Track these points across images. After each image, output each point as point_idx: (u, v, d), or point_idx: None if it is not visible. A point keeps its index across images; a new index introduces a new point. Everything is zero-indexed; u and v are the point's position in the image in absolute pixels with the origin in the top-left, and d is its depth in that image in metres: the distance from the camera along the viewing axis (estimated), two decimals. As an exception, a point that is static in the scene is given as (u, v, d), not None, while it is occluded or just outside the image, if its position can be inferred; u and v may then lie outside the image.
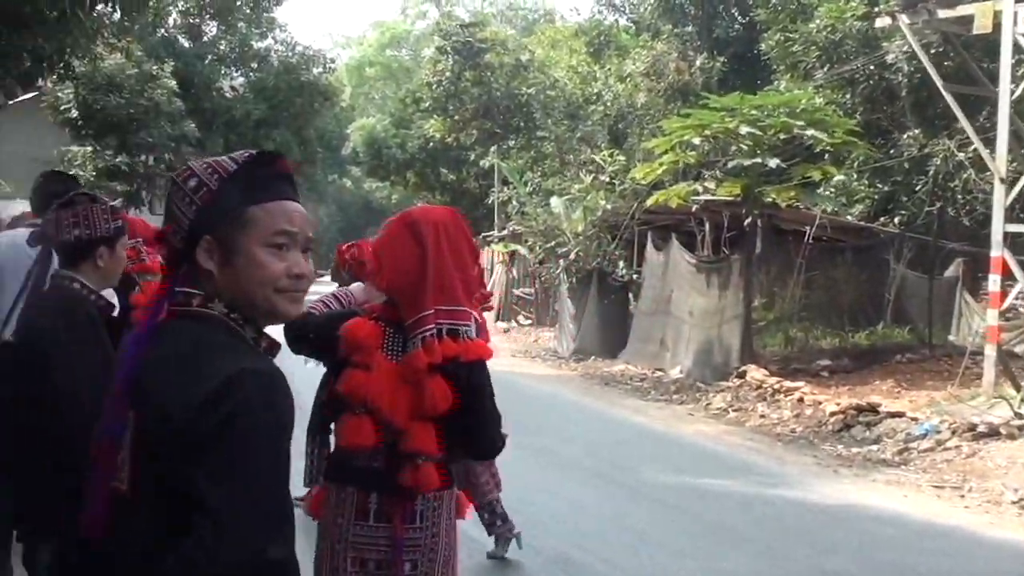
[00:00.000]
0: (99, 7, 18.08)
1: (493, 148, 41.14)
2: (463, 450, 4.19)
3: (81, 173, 28.96)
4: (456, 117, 44.01)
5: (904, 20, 19.07)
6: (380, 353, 3.98)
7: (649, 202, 22.89)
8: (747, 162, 19.48)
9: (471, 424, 3.97)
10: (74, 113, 31.26)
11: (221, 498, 2.29)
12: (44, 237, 4.90)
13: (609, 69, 36.48)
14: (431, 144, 47.60)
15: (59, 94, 30.60)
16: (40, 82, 23.43)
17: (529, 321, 33.22)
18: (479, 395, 3.94)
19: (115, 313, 4.59)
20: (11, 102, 31.89)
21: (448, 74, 43.53)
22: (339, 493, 4.04)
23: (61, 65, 16.35)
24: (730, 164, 20.26)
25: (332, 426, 4.25)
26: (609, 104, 34.51)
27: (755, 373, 18.75)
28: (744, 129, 19.21)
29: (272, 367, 2.49)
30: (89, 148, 31.26)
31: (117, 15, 21.76)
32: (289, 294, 2.58)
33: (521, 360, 24.94)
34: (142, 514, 2.41)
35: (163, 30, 42.02)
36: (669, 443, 14.69)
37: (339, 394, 4.00)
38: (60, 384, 4.16)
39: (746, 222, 20.48)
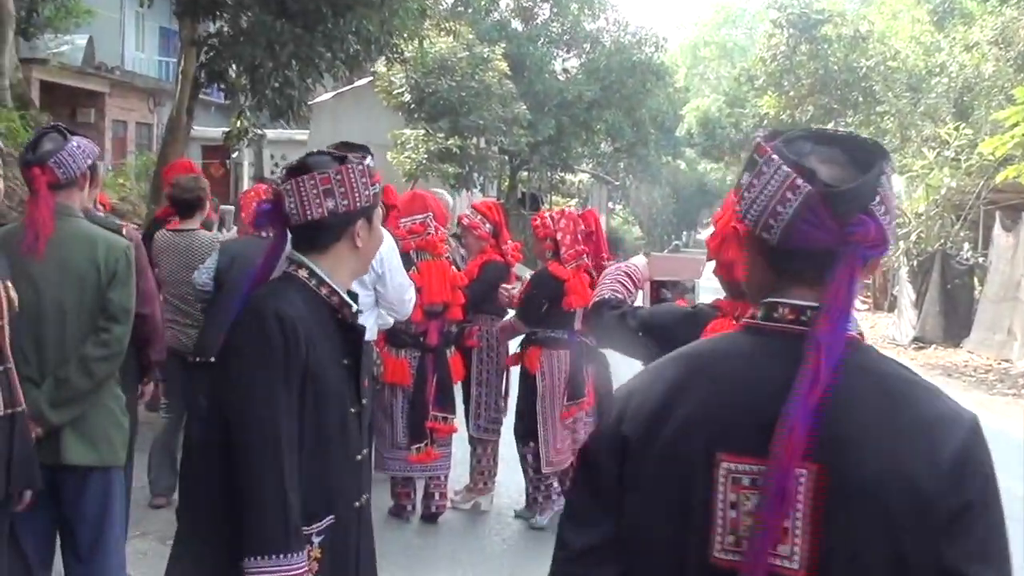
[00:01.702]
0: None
1: (830, 124, 39.87)
2: None
3: (413, 156, 29.71)
4: (791, 93, 42.96)
5: None
6: None
7: (998, 179, 21.58)
8: (1109, 133, 17.90)
9: None
10: (407, 97, 31.96)
11: None
12: None
13: (954, 38, 34.73)
14: (765, 122, 46.52)
15: (392, 79, 31.35)
16: (369, 65, 24.05)
17: (866, 306, 31.83)
18: None
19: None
20: (346, 88, 33.07)
21: (783, 48, 42.48)
22: None
23: (389, 48, 16.65)
24: (1090, 136, 18.70)
25: None
26: (954, 75, 32.88)
27: (1116, 367, 17.10)
28: (1107, 97, 17.65)
29: None
30: (421, 131, 31.83)
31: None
32: None
33: (856, 347, 23.76)
34: None
35: (496, 13, 42.67)
36: (1020, 447, 13.40)
37: None
38: None
39: (1107, 200, 18.83)
